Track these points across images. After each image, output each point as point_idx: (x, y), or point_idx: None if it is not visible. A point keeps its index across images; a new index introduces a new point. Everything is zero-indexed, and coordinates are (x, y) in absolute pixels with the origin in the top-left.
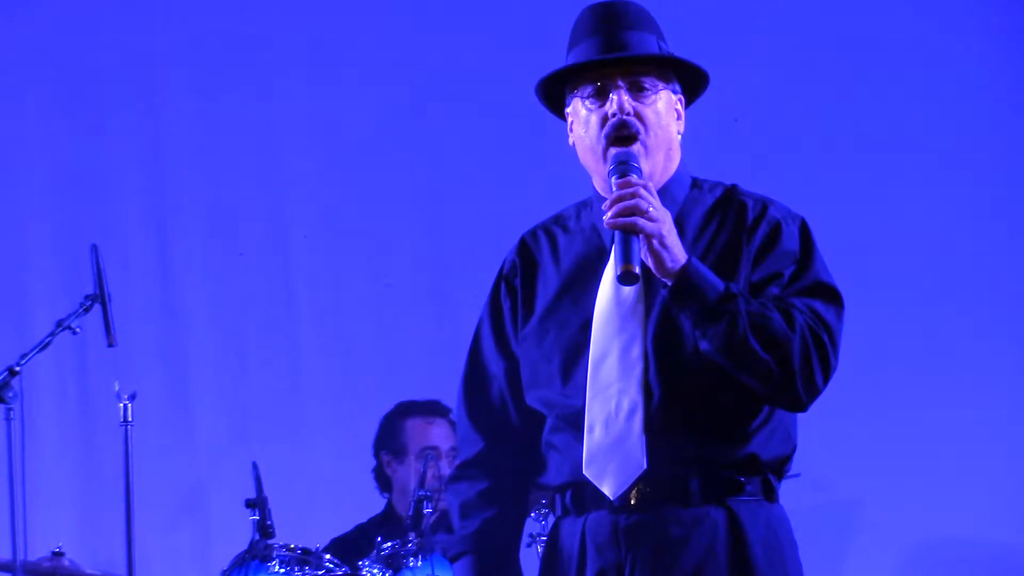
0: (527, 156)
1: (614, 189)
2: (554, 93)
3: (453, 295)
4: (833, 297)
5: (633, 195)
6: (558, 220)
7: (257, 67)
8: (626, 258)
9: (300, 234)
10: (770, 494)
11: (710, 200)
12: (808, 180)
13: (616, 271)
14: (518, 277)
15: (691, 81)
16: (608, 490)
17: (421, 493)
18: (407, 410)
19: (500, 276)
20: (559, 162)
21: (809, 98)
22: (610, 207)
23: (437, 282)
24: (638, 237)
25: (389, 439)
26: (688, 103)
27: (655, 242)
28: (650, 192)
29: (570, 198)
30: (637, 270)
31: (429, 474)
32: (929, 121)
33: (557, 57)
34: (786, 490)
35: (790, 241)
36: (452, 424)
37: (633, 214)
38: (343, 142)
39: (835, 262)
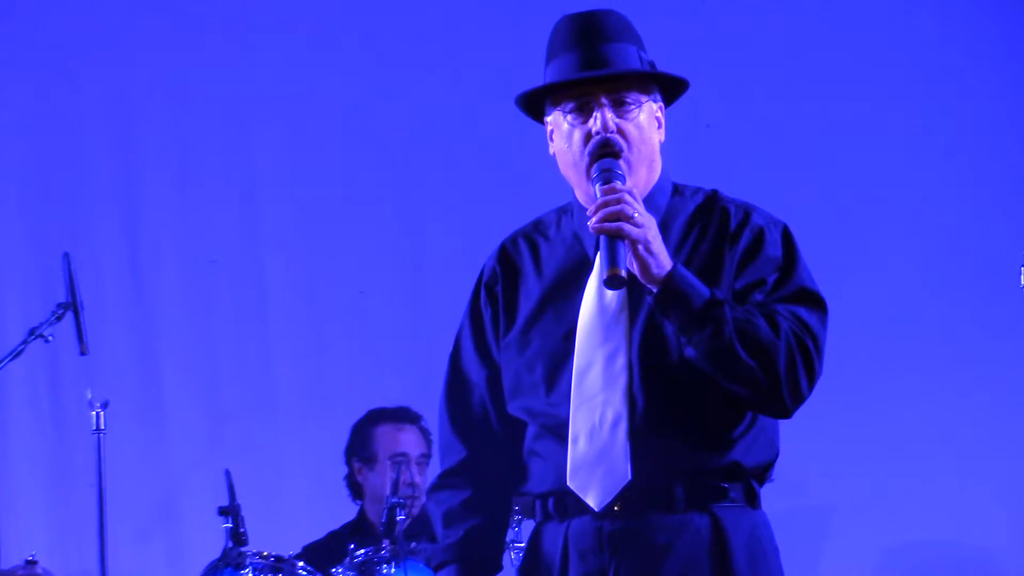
0: (501, 162)
1: (599, 196)
2: (533, 99)
3: (427, 303)
4: (817, 303)
5: (618, 200)
6: (538, 227)
7: (230, 74)
8: (612, 262)
9: (273, 241)
10: (752, 500)
11: (692, 206)
12: (781, 184)
13: (602, 275)
14: (499, 284)
15: (671, 87)
16: (593, 501)
17: (394, 500)
18: (377, 417)
19: (480, 283)
20: (534, 167)
21: (781, 102)
22: (595, 212)
23: (410, 290)
24: (623, 242)
25: (359, 446)
26: (666, 106)
27: (641, 248)
28: (635, 198)
29: (546, 203)
30: (624, 273)
31: (400, 480)
32: (902, 124)
33: (534, 64)
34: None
35: (773, 248)
36: (423, 431)
37: (619, 219)
38: (316, 149)
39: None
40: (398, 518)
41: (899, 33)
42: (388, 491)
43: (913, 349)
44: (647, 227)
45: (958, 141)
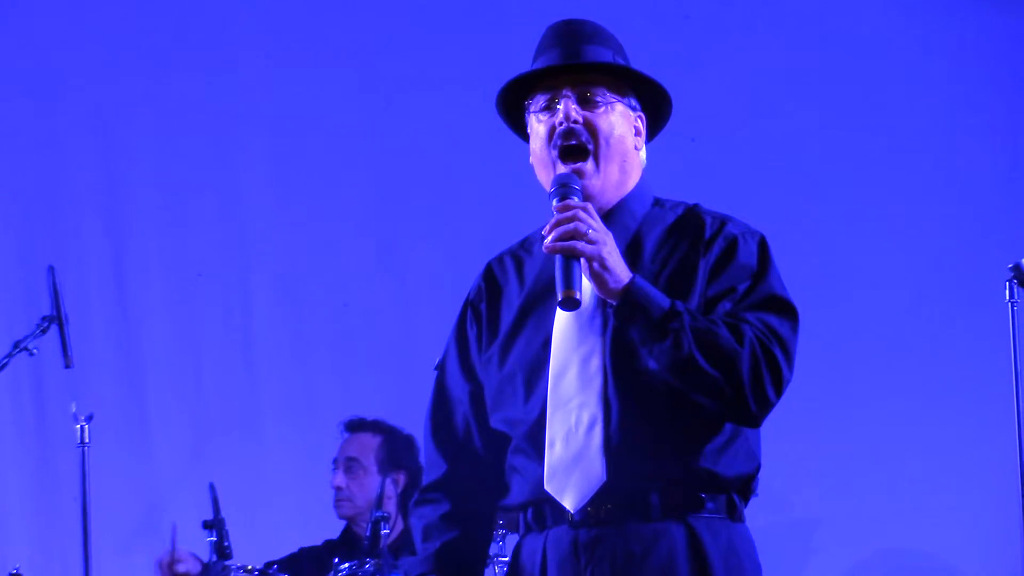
0: (486, 178)
1: (554, 212)
2: (518, 113)
3: (411, 316)
4: (787, 311)
5: (572, 218)
6: (524, 244)
7: (215, 88)
8: (567, 284)
9: (258, 255)
10: (733, 513)
11: (671, 218)
12: (765, 197)
13: (557, 297)
14: (483, 302)
15: (653, 102)
16: (569, 504)
17: (378, 514)
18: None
19: (467, 302)
20: (519, 183)
21: (765, 116)
22: (549, 231)
23: (395, 303)
24: (578, 261)
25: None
26: (656, 129)
27: (596, 265)
28: (590, 214)
29: (530, 217)
30: (578, 296)
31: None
32: (887, 138)
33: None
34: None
35: (746, 256)
36: (374, 437)
37: (572, 238)
38: (301, 163)
39: (792, 280)
40: (383, 532)
41: (883, 50)
42: (373, 504)
43: (898, 364)
44: (601, 243)
45: (942, 156)
